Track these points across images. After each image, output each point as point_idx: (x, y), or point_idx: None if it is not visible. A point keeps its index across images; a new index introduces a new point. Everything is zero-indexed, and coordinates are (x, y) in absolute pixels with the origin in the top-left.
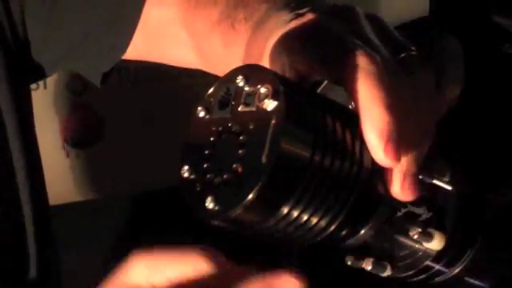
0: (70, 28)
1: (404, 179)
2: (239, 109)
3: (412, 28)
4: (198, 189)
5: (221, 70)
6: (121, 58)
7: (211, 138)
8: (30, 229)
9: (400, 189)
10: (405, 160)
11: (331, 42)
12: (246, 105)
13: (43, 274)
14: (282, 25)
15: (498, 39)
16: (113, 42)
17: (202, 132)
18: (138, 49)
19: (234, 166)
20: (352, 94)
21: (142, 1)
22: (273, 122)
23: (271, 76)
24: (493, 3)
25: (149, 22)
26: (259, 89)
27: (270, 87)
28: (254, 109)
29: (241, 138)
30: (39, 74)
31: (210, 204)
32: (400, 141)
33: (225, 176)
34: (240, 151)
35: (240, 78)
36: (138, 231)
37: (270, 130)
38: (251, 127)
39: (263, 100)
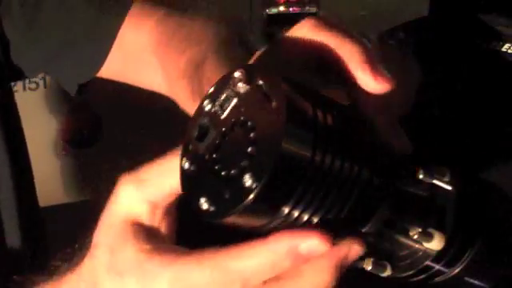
0: (48, 37)
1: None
2: (222, 117)
3: (412, 28)
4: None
5: (189, 112)
6: (96, 74)
7: (207, 158)
8: (15, 231)
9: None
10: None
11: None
12: (225, 109)
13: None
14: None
15: (497, 39)
16: (89, 54)
17: (197, 166)
18: (114, 69)
19: (250, 149)
20: (332, 51)
21: (120, 19)
22: (262, 88)
23: (242, 65)
24: (493, 3)
25: (125, 45)
26: (233, 77)
27: (242, 70)
28: (234, 102)
29: (243, 130)
30: (20, 75)
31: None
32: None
33: (242, 163)
34: (251, 134)
35: (206, 102)
36: None
37: (262, 96)
38: (242, 118)
39: (238, 83)
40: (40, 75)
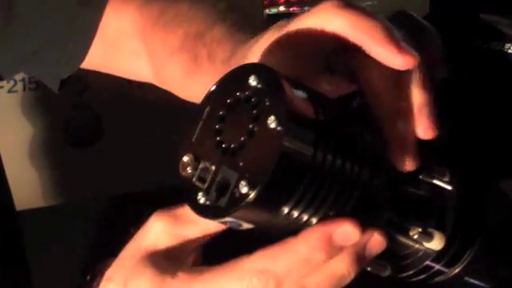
0: (27, 35)
1: (405, 149)
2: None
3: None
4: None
5: (178, 93)
6: (79, 67)
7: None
8: None
9: (405, 158)
10: (406, 131)
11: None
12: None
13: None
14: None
15: (498, 39)
16: (71, 49)
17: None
18: (96, 59)
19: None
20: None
21: (100, 9)
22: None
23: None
24: (493, 3)
25: (107, 33)
26: (182, 162)
27: (191, 155)
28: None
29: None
30: None
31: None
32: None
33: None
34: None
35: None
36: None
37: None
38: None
39: (187, 168)
40: None
